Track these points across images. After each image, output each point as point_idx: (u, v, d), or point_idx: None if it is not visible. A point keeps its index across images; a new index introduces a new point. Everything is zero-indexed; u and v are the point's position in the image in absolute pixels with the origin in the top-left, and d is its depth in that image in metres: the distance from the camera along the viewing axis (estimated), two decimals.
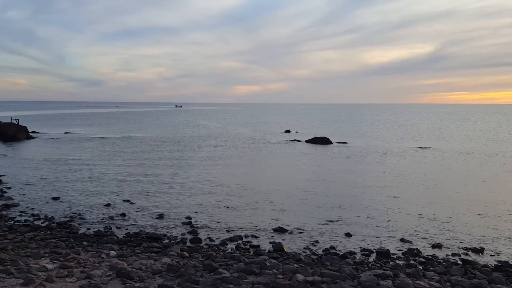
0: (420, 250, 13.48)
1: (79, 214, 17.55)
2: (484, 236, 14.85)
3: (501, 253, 13.27)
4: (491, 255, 13.14)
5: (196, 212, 17.93)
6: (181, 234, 15.09)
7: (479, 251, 13.40)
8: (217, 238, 14.77)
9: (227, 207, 18.88)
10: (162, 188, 22.79)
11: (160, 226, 16.01)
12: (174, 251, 12.59)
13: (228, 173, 28.04)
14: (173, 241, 14.37)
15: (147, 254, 12.41)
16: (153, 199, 20.24)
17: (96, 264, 10.92)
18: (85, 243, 13.51)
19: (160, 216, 17.32)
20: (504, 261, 12.35)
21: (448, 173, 28.68)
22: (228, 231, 15.57)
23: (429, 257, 12.89)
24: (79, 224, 16.23)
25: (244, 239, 14.71)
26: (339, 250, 13.58)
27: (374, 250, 13.48)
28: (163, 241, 14.23)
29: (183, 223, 16.46)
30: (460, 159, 35.06)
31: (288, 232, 15.50)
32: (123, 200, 19.92)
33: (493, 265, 12.04)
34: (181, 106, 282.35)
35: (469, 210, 18.51)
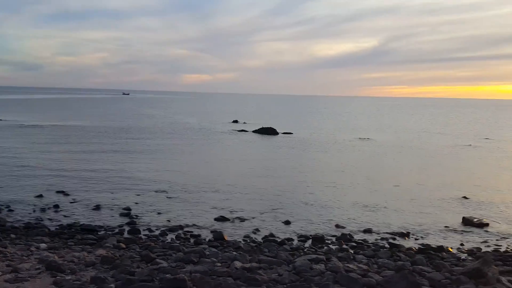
0: (352, 235, 14.30)
1: (8, 206, 16.42)
2: (410, 222, 16.04)
3: (424, 237, 14.41)
4: (415, 239, 14.24)
5: (136, 203, 17.51)
6: (119, 226, 14.67)
7: (405, 235, 14.47)
8: (156, 229, 14.57)
9: (169, 198, 18.66)
10: (101, 179, 21.90)
11: (96, 218, 15.45)
12: (110, 243, 12.26)
13: (172, 164, 27.61)
14: (110, 232, 13.95)
15: (81, 246, 11.97)
16: (90, 191, 19.42)
17: (24, 257, 10.41)
18: (12, 235, 12.72)
19: (97, 208, 16.69)
20: (426, 244, 13.47)
21: (383, 163, 30.47)
22: (169, 221, 15.42)
23: (360, 241, 13.71)
24: (7, 216, 15.21)
25: (185, 229, 14.65)
26: (278, 237, 14.00)
27: (310, 236, 14.08)
28: (98, 233, 13.76)
29: (122, 214, 16.00)
30: (394, 150, 37.32)
31: (230, 221, 15.69)
32: (57, 192, 18.90)
33: (416, 248, 13.07)
34: (129, 94, 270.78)
35: (399, 197, 19.86)
